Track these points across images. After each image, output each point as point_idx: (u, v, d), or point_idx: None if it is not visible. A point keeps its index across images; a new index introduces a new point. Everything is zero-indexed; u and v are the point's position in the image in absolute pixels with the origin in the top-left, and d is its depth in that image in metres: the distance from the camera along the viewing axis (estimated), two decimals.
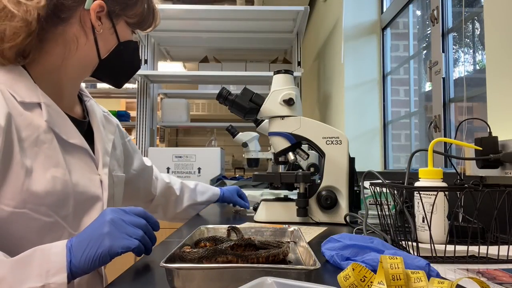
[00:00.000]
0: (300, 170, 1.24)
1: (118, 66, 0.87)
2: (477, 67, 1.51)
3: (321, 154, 1.10)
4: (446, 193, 0.71)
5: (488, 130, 0.84)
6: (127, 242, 0.59)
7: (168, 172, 2.39)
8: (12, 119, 0.67)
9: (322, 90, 2.91)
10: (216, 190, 1.29)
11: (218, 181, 2.38)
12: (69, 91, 0.84)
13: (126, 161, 1.02)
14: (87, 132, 0.86)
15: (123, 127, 1.05)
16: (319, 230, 0.95)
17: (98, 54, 0.82)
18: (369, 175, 0.89)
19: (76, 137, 0.78)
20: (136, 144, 2.64)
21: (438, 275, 0.50)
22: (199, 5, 2.46)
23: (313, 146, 1.11)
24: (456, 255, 0.64)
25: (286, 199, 1.14)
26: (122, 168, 0.96)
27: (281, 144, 1.12)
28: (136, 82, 2.70)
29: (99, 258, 0.58)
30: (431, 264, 0.51)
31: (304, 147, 1.17)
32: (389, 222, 0.74)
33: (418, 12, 2.02)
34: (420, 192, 0.69)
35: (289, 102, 1.09)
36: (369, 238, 0.62)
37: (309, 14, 2.52)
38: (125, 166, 1.01)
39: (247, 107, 1.14)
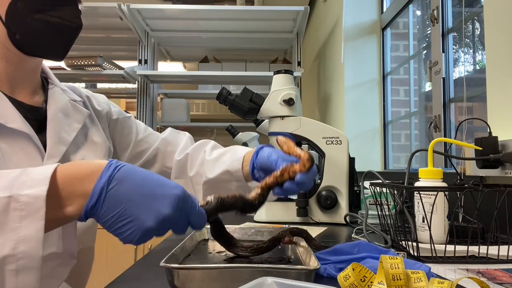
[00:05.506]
0: None
1: (37, 25, 0.70)
2: (477, 67, 1.51)
3: (321, 154, 1.10)
4: (446, 193, 0.71)
5: (488, 130, 0.84)
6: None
7: None
8: None
9: (322, 90, 2.90)
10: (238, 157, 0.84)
11: None
12: (6, 74, 0.73)
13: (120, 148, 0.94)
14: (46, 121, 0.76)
15: None
16: (319, 230, 0.95)
17: None
18: (369, 175, 0.89)
19: (16, 121, 0.68)
20: None
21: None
22: (199, 5, 2.46)
23: (313, 146, 1.11)
24: (456, 255, 0.64)
25: (286, 199, 1.14)
26: (106, 158, 0.85)
27: None
28: (136, 82, 2.70)
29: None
30: (431, 264, 0.51)
31: (304, 147, 1.17)
32: (389, 222, 0.74)
33: (418, 12, 2.02)
34: (420, 192, 0.69)
35: (289, 102, 1.09)
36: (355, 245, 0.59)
37: (309, 14, 2.52)
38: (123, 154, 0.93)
39: (247, 107, 1.14)
